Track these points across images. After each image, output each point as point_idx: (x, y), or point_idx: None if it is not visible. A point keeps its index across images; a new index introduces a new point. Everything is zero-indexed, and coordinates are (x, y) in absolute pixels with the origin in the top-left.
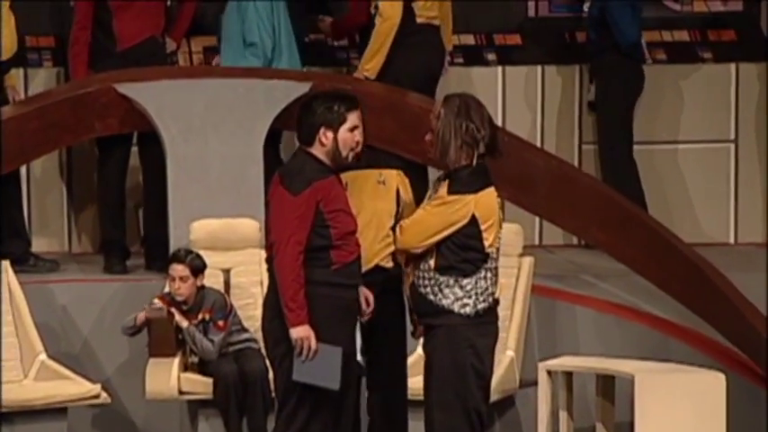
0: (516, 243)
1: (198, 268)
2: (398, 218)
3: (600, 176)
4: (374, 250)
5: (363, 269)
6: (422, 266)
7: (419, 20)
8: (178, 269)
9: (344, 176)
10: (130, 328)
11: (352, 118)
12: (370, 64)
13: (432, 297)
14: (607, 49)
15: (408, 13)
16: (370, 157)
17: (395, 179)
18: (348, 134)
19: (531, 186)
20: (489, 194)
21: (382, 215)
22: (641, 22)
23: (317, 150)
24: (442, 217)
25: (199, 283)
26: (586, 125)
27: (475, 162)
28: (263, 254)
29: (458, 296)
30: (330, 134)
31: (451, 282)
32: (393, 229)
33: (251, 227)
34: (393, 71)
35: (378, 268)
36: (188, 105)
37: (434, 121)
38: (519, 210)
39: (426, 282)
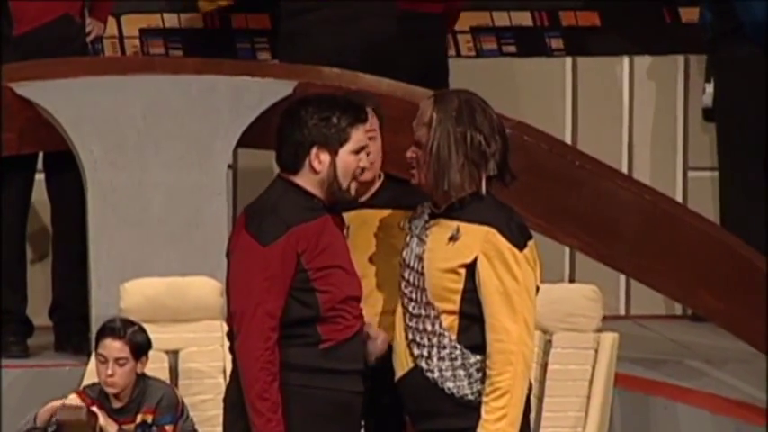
0: (592, 313)
1: (141, 347)
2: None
3: (716, 217)
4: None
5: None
6: (429, 341)
7: None
8: (114, 347)
9: (361, 216)
10: None
11: (358, 135)
12: None
13: (450, 385)
14: (729, 33)
15: None
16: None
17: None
18: (351, 157)
19: (613, 231)
20: (533, 241)
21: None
22: None
23: (304, 179)
24: (532, 286)
25: (140, 370)
26: (696, 142)
27: (483, 189)
28: (226, 327)
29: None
30: (326, 157)
31: (480, 363)
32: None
33: (209, 289)
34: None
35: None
36: (118, 114)
37: (422, 131)
38: (596, 265)
39: (448, 363)
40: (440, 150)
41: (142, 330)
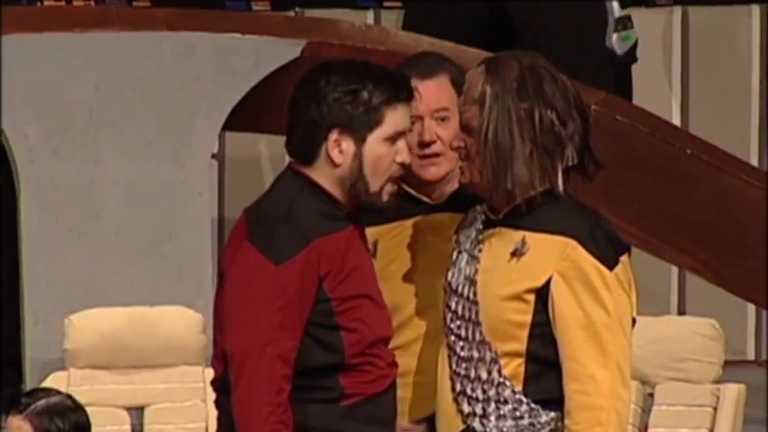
0: (710, 357)
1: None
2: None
3: None
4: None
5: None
6: (485, 394)
7: None
8: (13, 424)
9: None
10: None
11: (396, 117)
12: None
13: None
14: None
15: None
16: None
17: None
18: (383, 147)
19: (738, 244)
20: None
21: None
22: None
23: (320, 174)
24: (627, 318)
25: None
26: None
27: (560, 184)
28: (210, 374)
29: None
30: (348, 145)
31: (555, 423)
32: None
33: (185, 322)
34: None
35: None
36: (62, 84)
37: (472, 110)
38: (715, 291)
39: (510, 423)
40: (498, 136)
41: (71, 402)
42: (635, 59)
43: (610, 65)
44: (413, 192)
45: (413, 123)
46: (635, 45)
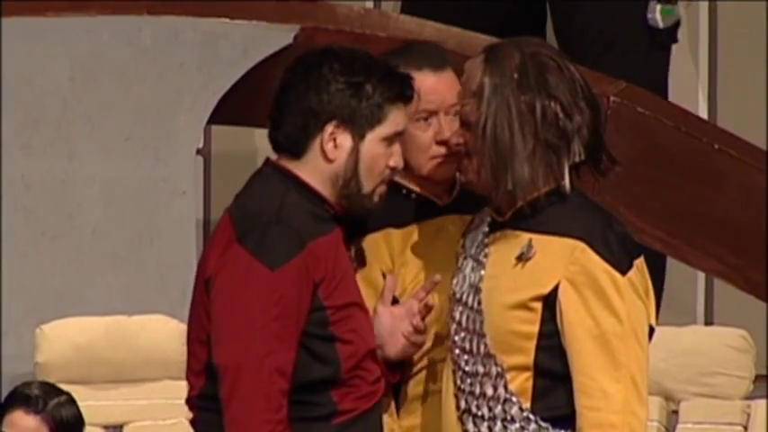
0: (740, 371)
1: (68, 428)
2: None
3: None
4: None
5: None
6: (490, 412)
7: None
8: (25, 425)
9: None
10: None
11: (397, 116)
12: None
13: None
14: None
15: None
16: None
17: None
18: (380, 147)
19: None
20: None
21: None
22: None
23: (307, 170)
24: (642, 327)
25: None
26: None
27: (567, 183)
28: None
29: None
30: (346, 140)
31: None
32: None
33: (168, 333)
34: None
35: None
36: (33, 74)
37: (471, 104)
38: (746, 299)
39: None
40: (497, 131)
41: (71, 402)
42: (676, 40)
43: (649, 42)
44: (425, 193)
45: (426, 120)
46: (677, 24)
